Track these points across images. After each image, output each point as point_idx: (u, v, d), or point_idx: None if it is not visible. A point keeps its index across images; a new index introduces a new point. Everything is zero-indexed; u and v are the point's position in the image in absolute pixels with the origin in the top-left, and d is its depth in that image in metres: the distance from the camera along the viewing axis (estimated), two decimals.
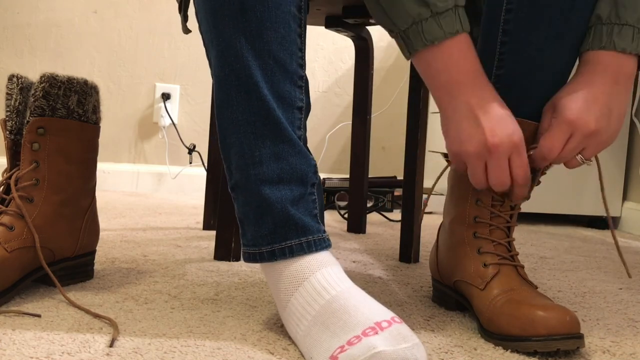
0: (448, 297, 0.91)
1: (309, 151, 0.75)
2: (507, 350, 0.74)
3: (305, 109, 0.76)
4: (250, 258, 0.75)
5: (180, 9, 1.12)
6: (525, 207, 1.00)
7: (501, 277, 0.80)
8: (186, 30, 1.14)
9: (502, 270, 0.81)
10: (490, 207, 0.83)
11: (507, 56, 0.82)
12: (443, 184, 2.26)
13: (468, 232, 0.84)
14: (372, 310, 0.67)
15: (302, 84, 0.75)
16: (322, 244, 0.73)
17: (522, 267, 0.82)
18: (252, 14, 0.70)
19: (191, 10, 0.90)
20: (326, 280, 0.70)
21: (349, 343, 0.63)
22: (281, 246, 0.72)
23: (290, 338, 0.74)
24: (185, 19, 1.12)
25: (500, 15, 0.82)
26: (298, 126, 0.74)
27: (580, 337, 0.72)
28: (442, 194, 2.15)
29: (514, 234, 0.87)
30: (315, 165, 0.75)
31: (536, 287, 0.81)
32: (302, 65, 0.75)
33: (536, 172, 0.82)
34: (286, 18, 0.72)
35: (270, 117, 0.72)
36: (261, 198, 0.72)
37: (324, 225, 0.76)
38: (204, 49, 0.78)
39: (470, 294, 0.83)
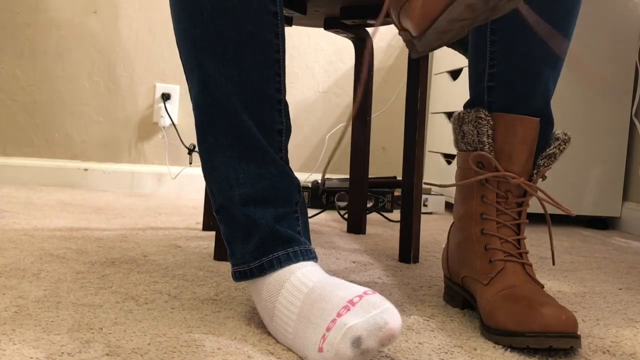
0: (457, 295, 0.91)
1: (291, 171, 0.78)
2: (506, 350, 0.74)
3: (286, 131, 0.78)
4: (241, 276, 0.76)
5: None
6: None
7: (506, 274, 0.80)
8: None
9: (507, 267, 0.81)
10: (495, 204, 0.83)
11: (499, 54, 0.84)
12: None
13: (475, 229, 0.85)
14: (346, 290, 0.67)
15: (281, 107, 0.77)
16: (309, 254, 0.75)
17: (530, 265, 0.82)
18: (229, 43, 0.73)
19: None
20: (304, 275, 0.72)
21: (327, 329, 0.64)
22: (269, 258, 0.74)
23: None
24: None
25: None
26: (279, 148, 0.77)
27: (575, 337, 0.72)
28: (442, 194, 2.15)
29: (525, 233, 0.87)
30: (298, 185, 0.78)
31: (542, 286, 0.81)
32: (281, 90, 0.77)
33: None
34: (263, 45, 0.74)
35: (253, 141, 0.74)
36: (247, 217, 0.74)
37: (309, 241, 0.78)
38: None
39: (475, 290, 0.84)
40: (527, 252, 0.83)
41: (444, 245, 0.99)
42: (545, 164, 0.85)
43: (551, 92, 0.87)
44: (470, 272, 0.85)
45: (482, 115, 0.83)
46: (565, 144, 0.86)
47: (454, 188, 0.89)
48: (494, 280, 0.80)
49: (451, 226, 0.94)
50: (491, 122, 0.83)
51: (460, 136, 0.87)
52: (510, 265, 0.81)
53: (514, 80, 0.84)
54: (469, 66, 0.90)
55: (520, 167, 0.83)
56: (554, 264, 0.87)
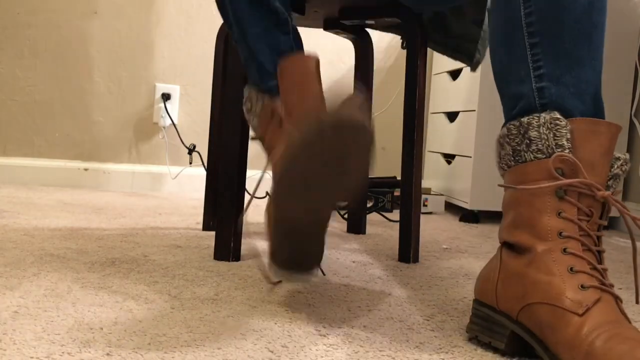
0: (500, 328, 0.74)
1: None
2: None
3: None
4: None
5: None
6: None
7: (604, 306, 0.66)
8: None
9: (604, 298, 0.67)
10: (577, 221, 0.70)
11: (543, 56, 0.76)
12: (440, 183, 2.26)
13: (555, 247, 0.70)
14: None
15: None
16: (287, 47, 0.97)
17: (621, 300, 0.69)
18: None
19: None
20: None
21: None
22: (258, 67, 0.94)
23: (289, 336, 0.74)
24: None
25: (521, 18, 0.77)
26: None
27: None
28: (441, 194, 2.15)
29: None
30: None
31: (630, 323, 0.68)
32: None
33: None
34: None
35: None
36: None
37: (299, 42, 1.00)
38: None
39: (555, 322, 0.67)
40: (613, 286, 0.69)
41: (481, 269, 0.82)
42: (614, 186, 0.73)
43: (601, 99, 0.77)
44: (546, 297, 0.69)
45: (560, 116, 0.72)
46: (627, 165, 0.75)
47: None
48: (591, 311, 0.65)
49: (500, 250, 0.78)
50: (569, 126, 0.71)
51: (525, 145, 0.74)
52: (607, 297, 0.67)
53: (565, 81, 0.75)
54: (499, 69, 0.82)
55: (604, 181, 0.71)
56: (637, 302, 0.71)
